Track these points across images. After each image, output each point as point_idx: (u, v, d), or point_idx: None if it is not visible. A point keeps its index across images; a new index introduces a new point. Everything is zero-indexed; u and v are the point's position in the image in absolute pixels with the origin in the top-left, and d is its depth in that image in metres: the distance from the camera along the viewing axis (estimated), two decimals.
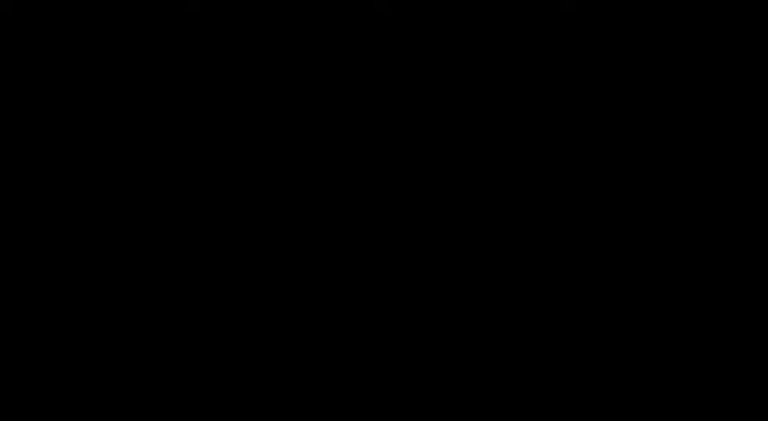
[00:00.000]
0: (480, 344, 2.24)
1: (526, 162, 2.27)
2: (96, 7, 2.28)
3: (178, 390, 2.23)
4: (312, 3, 2.29)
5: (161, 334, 2.24)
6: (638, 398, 2.22)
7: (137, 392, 2.23)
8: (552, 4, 2.28)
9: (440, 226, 2.26)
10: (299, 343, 2.25)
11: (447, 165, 2.27)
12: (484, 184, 2.27)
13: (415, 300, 2.26)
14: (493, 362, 2.24)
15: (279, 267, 2.26)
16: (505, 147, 2.27)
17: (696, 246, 2.24)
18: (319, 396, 2.23)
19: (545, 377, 2.23)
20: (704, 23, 2.27)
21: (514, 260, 2.26)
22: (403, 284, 2.26)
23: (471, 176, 2.27)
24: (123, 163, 2.27)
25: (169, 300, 2.25)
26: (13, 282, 2.24)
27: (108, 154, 2.27)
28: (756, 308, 2.23)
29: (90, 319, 2.24)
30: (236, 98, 2.29)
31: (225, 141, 2.28)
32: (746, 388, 2.21)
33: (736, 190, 2.25)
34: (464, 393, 2.23)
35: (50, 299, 2.24)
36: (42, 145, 2.27)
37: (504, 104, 2.28)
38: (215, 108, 2.28)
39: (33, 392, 2.22)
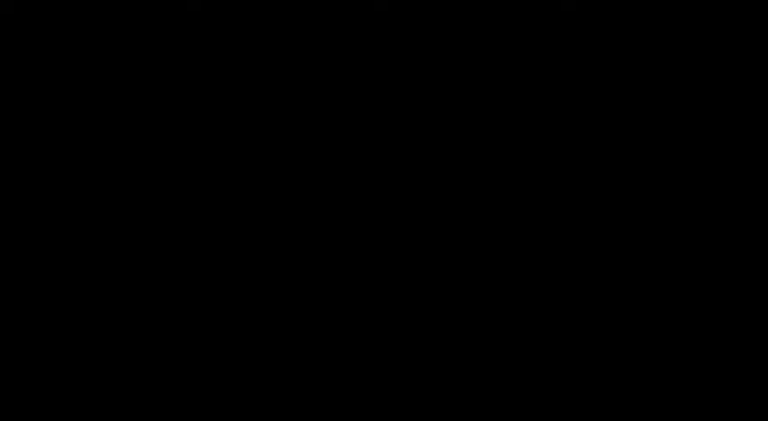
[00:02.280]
0: (480, 343, 2.24)
1: (526, 162, 2.27)
2: (96, 7, 2.29)
3: (178, 390, 2.23)
4: (312, 3, 2.29)
5: (161, 334, 2.24)
6: (638, 398, 2.22)
7: (137, 392, 2.23)
8: (552, 4, 2.28)
9: (439, 225, 2.27)
10: (299, 343, 2.25)
11: (447, 165, 2.27)
12: (484, 184, 2.27)
13: (415, 299, 2.26)
14: (493, 362, 2.24)
15: (279, 267, 2.26)
16: (505, 146, 2.27)
17: (696, 245, 2.25)
18: (319, 396, 2.24)
19: (545, 377, 2.23)
20: (704, 23, 2.27)
21: (514, 260, 2.26)
22: (403, 284, 2.26)
23: (471, 176, 2.27)
24: (123, 163, 2.27)
25: (169, 299, 2.25)
26: (13, 282, 2.25)
27: (108, 154, 2.27)
28: (756, 308, 2.23)
29: (90, 319, 2.24)
30: (237, 98, 2.29)
31: (225, 141, 2.28)
32: (746, 388, 2.21)
33: (736, 190, 2.25)
34: (464, 393, 2.23)
35: (50, 299, 2.25)
36: (42, 145, 2.27)
37: (504, 104, 2.28)
38: (215, 108, 2.29)
39: (33, 392, 2.22)
